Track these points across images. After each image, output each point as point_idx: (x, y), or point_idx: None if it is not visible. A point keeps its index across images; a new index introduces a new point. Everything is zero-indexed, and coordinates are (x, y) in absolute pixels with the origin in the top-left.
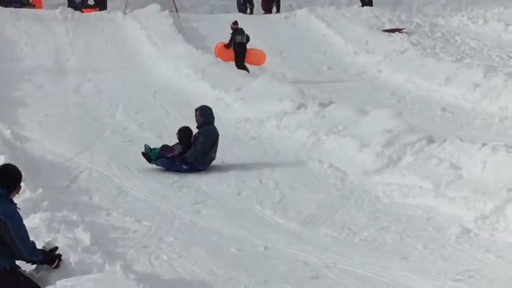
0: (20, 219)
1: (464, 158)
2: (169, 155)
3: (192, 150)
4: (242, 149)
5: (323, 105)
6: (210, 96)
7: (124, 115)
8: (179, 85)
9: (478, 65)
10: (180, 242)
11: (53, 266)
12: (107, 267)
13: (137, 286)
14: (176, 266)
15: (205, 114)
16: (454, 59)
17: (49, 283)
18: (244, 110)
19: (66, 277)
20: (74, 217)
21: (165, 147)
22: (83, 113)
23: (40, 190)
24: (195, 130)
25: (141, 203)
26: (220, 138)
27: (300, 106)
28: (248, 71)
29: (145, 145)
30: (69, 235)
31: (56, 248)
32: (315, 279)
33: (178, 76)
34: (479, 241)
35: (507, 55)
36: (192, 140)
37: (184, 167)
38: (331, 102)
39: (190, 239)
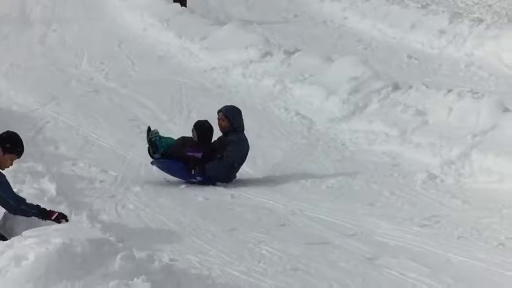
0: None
1: (430, 104)
2: (189, 154)
3: (217, 163)
4: (209, 98)
5: (289, 53)
6: (175, 45)
7: (90, 65)
8: (144, 34)
9: (444, 12)
10: (147, 192)
11: (53, 217)
12: (73, 217)
13: (103, 235)
14: (143, 215)
15: (232, 118)
16: (419, 5)
17: (15, 234)
18: (210, 59)
19: (32, 227)
20: (40, 168)
21: (186, 140)
22: (48, 63)
23: None
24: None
25: (107, 153)
26: (185, 87)
27: (266, 54)
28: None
29: (151, 129)
30: (35, 185)
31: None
32: (282, 226)
33: (143, 26)
34: (445, 187)
35: (472, 1)
36: (214, 143)
37: (198, 178)
38: (297, 50)
39: (157, 188)
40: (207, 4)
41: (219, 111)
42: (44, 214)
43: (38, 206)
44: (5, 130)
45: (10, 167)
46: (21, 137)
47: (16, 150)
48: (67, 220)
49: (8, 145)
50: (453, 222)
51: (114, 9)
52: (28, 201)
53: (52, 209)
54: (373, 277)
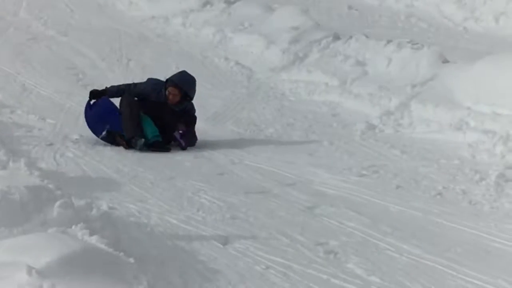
0: None
1: (370, 54)
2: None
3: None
4: (148, 47)
5: (229, 3)
6: None
7: (28, 13)
8: None
9: None
10: (85, 140)
11: None
12: (11, 164)
13: (41, 182)
14: (81, 163)
15: (189, 93)
16: None
17: None
18: (149, 7)
19: None
20: None
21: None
22: None
23: None
24: None
25: (46, 101)
26: (125, 36)
27: (206, 3)
28: None
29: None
30: None
31: None
32: (221, 175)
33: None
34: (384, 137)
35: None
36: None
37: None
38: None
39: (95, 137)
40: None
41: (170, 83)
42: None
43: None
44: None
45: None
46: None
47: None
48: None
49: None
50: (391, 172)
51: None
52: None
53: None
54: (312, 225)
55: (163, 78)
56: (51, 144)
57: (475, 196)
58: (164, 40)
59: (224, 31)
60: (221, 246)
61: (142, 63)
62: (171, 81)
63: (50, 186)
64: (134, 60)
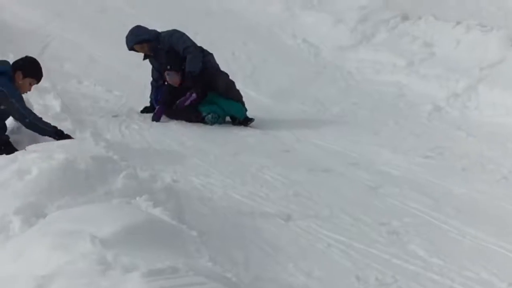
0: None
1: (438, 36)
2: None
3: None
4: (215, 21)
5: None
6: None
7: None
8: None
9: None
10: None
11: None
12: (77, 134)
13: (106, 153)
14: (146, 135)
15: (140, 36)
16: None
17: (20, 148)
18: None
19: (36, 142)
20: (46, 84)
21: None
22: None
23: (11, 56)
24: None
25: (112, 73)
26: (191, 10)
27: None
28: None
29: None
30: (40, 101)
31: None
32: (286, 152)
33: None
34: (450, 119)
35: None
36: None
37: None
38: None
39: None
40: None
41: (134, 48)
42: (60, 135)
43: (55, 127)
44: (11, 46)
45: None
46: (26, 53)
47: (37, 74)
48: None
49: (29, 69)
50: (457, 154)
51: None
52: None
53: (69, 134)
54: (375, 205)
55: (230, 53)
56: (116, 116)
57: None
58: (231, 15)
59: (293, 8)
60: (284, 222)
61: (209, 37)
62: (131, 47)
63: (115, 157)
64: (201, 34)
